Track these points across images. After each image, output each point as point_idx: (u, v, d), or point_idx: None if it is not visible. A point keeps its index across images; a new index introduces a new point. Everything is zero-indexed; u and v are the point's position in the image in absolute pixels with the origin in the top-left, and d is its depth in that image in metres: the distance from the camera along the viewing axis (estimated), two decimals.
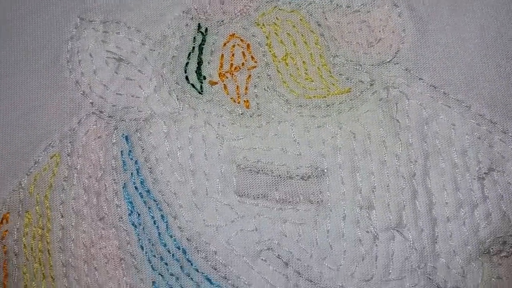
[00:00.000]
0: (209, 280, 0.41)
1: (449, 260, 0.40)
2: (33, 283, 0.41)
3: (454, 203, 0.40)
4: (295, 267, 0.40)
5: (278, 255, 0.41)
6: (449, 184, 0.41)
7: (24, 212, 0.42)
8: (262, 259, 0.41)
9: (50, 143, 0.43)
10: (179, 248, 0.41)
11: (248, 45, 0.42)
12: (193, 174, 0.41)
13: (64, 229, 0.42)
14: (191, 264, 0.41)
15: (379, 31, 0.42)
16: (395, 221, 0.40)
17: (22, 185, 0.42)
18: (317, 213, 0.41)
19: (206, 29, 0.43)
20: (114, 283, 0.41)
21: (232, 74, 0.42)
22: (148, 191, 0.42)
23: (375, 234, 0.40)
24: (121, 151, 0.42)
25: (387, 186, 0.41)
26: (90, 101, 0.43)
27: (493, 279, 0.40)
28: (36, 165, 0.42)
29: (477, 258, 0.40)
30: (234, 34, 0.43)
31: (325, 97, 0.42)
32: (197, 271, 0.41)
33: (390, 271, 0.40)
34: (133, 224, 0.42)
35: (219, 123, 0.42)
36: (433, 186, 0.41)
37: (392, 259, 0.40)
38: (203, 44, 0.43)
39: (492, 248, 0.40)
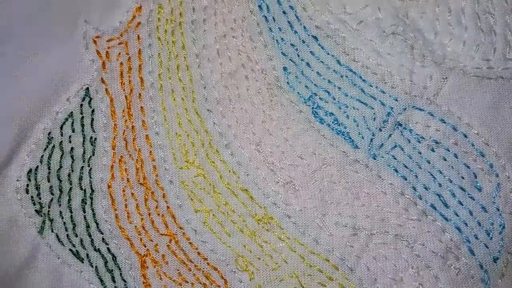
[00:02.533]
0: (341, 63, 0.43)
1: None
2: (168, 71, 0.43)
3: None
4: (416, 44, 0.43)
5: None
6: None
7: (157, 6, 0.44)
8: (389, 41, 0.43)
9: None
10: (309, 35, 0.44)
11: None
12: None
13: (195, 22, 0.44)
14: (322, 48, 0.43)
15: None
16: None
17: None
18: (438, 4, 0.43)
19: None
20: (246, 69, 0.43)
21: None
22: None
23: (493, 16, 0.43)
24: None
25: None
26: None
27: None
28: None
29: None
30: None
31: None
32: (328, 54, 0.43)
33: (508, 53, 0.43)
34: (263, 16, 0.44)
35: None
36: None
37: (510, 43, 0.43)
38: None
39: None
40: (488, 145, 0.42)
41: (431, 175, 0.42)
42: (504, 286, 0.41)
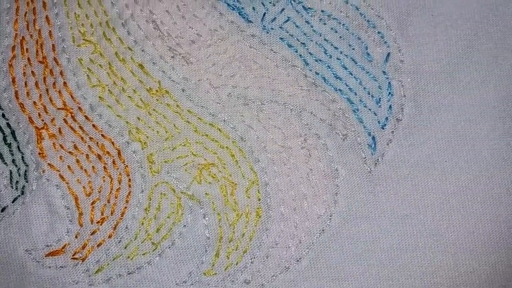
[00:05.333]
0: None
1: None
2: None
3: None
4: None
5: None
6: None
7: None
8: None
9: None
10: None
11: None
12: None
13: None
14: None
15: None
16: None
17: None
18: None
19: None
20: None
21: None
22: None
23: None
24: None
25: None
26: None
27: None
28: None
29: None
30: None
31: None
32: None
33: None
34: None
35: None
36: None
37: None
38: None
39: None
40: (379, 17, 0.42)
41: (323, 47, 0.42)
42: (391, 151, 0.41)
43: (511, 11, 0.42)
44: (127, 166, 0.42)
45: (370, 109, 0.42)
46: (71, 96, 0.42)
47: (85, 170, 0.42)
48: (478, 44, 0.42)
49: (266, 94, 0.42)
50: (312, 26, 0.43)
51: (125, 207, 0.41)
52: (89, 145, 0.42)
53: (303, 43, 0.42)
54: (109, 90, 0.42)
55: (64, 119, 0.42)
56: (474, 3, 0.42)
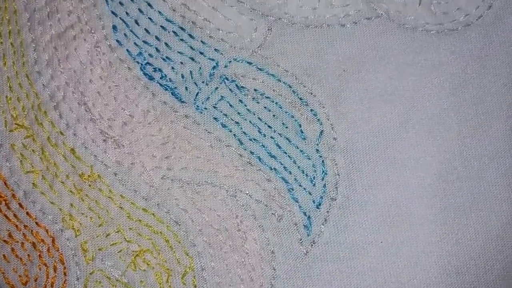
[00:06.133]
0: (169, 20, 0.43)
1: None
2: (0, 36, 0.43)
3: None
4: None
5: None
6: None
7: None
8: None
9: None
10: None
11: None
12: None
13: None
14: (150, 5, 0.43)
15: None
16: None
17: None
18: None
19: None
20: (75, 30, 0.43)
21: None
22: None
23: None
24: None
25: None
26: None
27: None
28: None
29: None
30: None
31: None
32: (155, 11, 0.43)
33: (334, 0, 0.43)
34: None
35: None
36: None
37: None
38: None
39: None
40: (312, 94, 0.42)
41: (257, 126, 0.42)
42: (327, 232, 0.41)
43: (447, 85, 0.42)
44: (61, 254, 0.41)
45: (305, 188, 0.41)
46: (5, 183, 0.42)
47: (21, 259, 0.41)
48: (413, 120, 0.42)
49: (202, 176, 0.42)
50: (245, 105, 0.42)
51: None
52: (23, 233, 0.41)
53: (237, 122, 0.42)
54: (42, 176, 0.42)
55: None
56: (410, 76, 0.42)
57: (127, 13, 0.43)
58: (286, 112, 0.42)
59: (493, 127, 0.42)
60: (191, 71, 0.43)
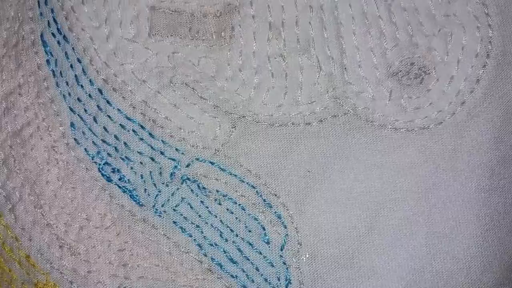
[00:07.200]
0: (128, 118, 0.42)
1: (359, 85, 0.41)
2: None
3: (362, 32, 0.41)
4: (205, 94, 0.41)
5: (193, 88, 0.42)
6: (357, 15, 0.42)
7: None
8: (178, 93, 0.42)
9: None
10: (95, 89, 0.42)
11: None
12: (106, 19, 0.42)
13: None
14: (109, 103, 0.42)
15: None
16: (303, 49, 0.41)
17: None
18: (229, 48, 0.42)
19: None
20: (32, 127, 0.42)
21: None
22: (64, 37, 0.43)
23: (285, 59, 0.41)
24: (38, 1, 0.43)
25: (296, 17, 0.42)
26: None
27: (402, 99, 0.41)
28: None
29: (386, 81, 0.41)
30: None
31: None
32: (114, 108, 0.42)
33: (299, 97, 0.41)
34: (51, 71, 0.43)
35: None
36: (342, 17, 0.42)
37: (301, 86, 0.41)
38: None
39: (400, 70, 0.41)
40: (276, 196, 0.40)
41: (218, 230, 0.40)
42: None
43: (416, 189, 0.40)
44: None
45: None
46: None
47: None
48: (379, 226, 0.40)
49: (160, 286, 0.40)
50: (207, 207, 0.41)
51: None
52: None
53: (198, 226, 0.41)
54: None
55: None
56: (376, 179, 0.40)
57: (85, 110, 0.42)
58: (249, 215, 0.40)
59: (463, 234, 0.40)
60: (150, 172, 0.41)
